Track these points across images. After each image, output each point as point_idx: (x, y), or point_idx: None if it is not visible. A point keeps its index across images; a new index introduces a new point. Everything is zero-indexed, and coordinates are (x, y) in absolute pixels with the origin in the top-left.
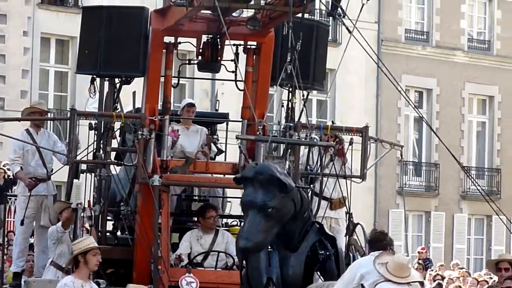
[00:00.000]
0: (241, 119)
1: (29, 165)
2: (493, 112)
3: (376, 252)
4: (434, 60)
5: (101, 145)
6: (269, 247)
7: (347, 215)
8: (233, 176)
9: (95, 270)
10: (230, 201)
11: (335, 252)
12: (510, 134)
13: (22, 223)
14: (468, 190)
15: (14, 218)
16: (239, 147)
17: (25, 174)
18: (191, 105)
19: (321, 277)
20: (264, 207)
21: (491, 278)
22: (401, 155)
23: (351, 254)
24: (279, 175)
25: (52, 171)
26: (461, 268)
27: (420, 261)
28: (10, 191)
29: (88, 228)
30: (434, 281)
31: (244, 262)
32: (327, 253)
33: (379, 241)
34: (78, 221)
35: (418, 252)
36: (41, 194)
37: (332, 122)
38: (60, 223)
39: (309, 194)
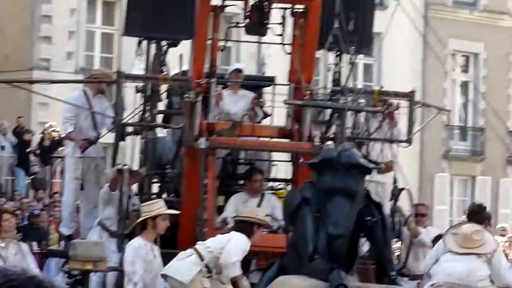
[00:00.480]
0: (288, 83)
1: (81, 126)
2: None
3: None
4: (481, 24)
5: (148, 108)
6: (316, 213)
7: (394, 179)
8: (308, 162)
9: (162, 233)
10: (276, 164)
11: (382, 219)
12: None
13: (82, 188)
14: None
15: (60, 179)
16: (287, 111)
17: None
18: (239, 70)
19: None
20: (352, 193)
21: None
22: (448, 120)
23: (396, 219)
24: (361, 160)
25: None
26: (504, 233)
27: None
28: (56, 152)
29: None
30: None
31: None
32: (374, 219)
33: (476, 214)
34: (124, 182)
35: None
36: (91, 156)
37: (381, 87)
38: (107, 185)
39: None
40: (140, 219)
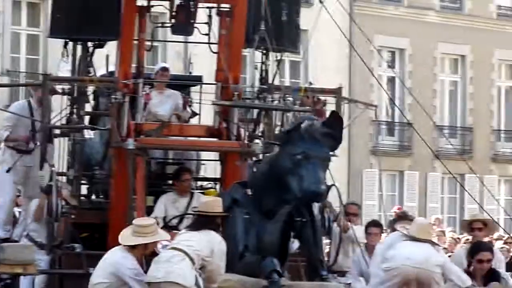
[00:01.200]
0: (215, 82)
1: (19, 135)
2: (465, 71)
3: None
4: (406, 20)
5: (75, 110)
6: (246, 214)
7: None
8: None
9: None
10: (204, 164)
11: (312, 219)
12: (482, 93)
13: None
14: (441, 149)
15: None
16: (215, 111)
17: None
18: (165, 69)
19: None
20: (327, 159)
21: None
22: (376, 115)
23: (326, 216)
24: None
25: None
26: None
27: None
28: None
29: (66, 197)
30: None
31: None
32: (304, 219)
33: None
34: (53, 187)
35: (395, 212)
36: (28, 166)
37: (310, 83)
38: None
39: None
40: (137, 241)
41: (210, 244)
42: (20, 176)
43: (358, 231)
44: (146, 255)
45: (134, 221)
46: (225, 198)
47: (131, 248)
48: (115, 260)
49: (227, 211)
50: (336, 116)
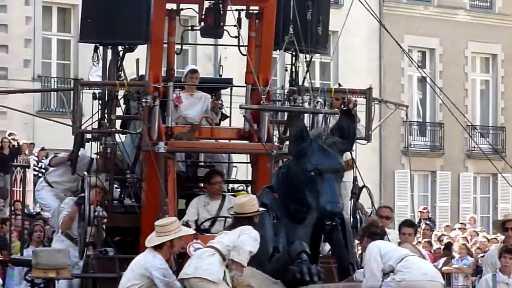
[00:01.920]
0: (245, 84)
1: None
2: (496, 70)
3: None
4: (436, 20)
5: (106, 114)
6: (275, 218)
7: (354, 178)
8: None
9: (177, 253)
10: (236, 166)
11: (342, 223)
12: None
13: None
14: (473, 148)
15: (20, 187)
16: (244, 116)
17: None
18: (194, 71)
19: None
20: (341, 170)
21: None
22: (406, 115)
23: (358, 217)
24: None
25: None
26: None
27: (428, 222)
28: (15, 161)
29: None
30: (440, 241)
31: None
32: (334, 223)
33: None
34: (86, 192)
35: (420, 212)
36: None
37: (339, 84)
38: (61, 221)
39: None
40: (161, 240)
41: (238, 236)
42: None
43: (391, 234)
44: (173, 253)
45: (155, 223)
46: None
47: (158, 249)
48: (144, 260)
49: None
50: (347, 113)
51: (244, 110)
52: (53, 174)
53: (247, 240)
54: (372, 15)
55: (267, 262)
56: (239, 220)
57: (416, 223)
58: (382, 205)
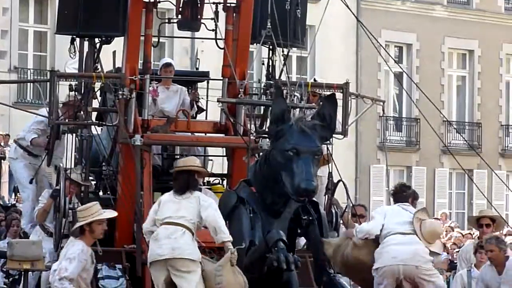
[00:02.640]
0: (221, 78)
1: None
2: (473, 66)
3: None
4: (413, 15)
5: (82, 106)
6: (251, 212)
7: (329, 173)
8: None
9: (100, 238)
10: (211, 160)
11: (318, 217)
12: (490, 88)
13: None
14: (449, 144)
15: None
16: (222, 109)
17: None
18: (168, 64)
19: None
20: (319, 152)
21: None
22: (383, 110)
23: (333, 212)
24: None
25: None
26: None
27: None
28: None
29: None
30: None
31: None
32: (310, 218)
33: (400, 193)
34: (61, 184)
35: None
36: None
37: (314, 79)
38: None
39: None
40: (77, 225)
41: (198, 208)
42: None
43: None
44: (96, 238)
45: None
46: (231, 196)
47: (81, 236)
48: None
49: (232, 210)
50: (330, 99)
51: (223, 108)
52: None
53: (215, 216)
54: (350, 10)
55: (244, 256)
56: (181, 182)
57: None
58: (357, 203)
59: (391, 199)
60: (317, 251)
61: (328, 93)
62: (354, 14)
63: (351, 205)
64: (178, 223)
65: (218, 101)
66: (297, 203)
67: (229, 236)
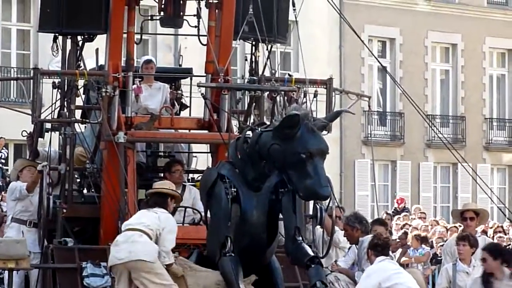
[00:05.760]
0: (204, 74)
1: None
2: (456, 60)
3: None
4: (396, 10)
5: (65, 103)
6: (231, 187)
7: None
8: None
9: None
10: (196, 156)
11: (292, 189)
12: (474, 81)
13: None
14: (433, 138)
15: None
16: (204, 98)
17: None
18: (149, 61)
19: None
20: (327, 152)
21: (459, 226)
22: (369, 106)
23: (318, 206)
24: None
25: None
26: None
27: (388, 212)
28: None
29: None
30: (402, 229)
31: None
32: (286, 189)
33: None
34: (44, 182)
35: (397, 203)
36: None
37: (289, 74)
38: (24, 186)
39: None
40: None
41: (159, 220)
42: None
43: (341, 235)
44: None
45: None
46: (211, 173)
47: None
48: None
49: (212, 186)
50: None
51: (204, 91)
52: None
53: (167, 238)
54: (333, 6)
55: (218, 250)
56: (155, 199)
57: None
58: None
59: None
60: (287, 220)
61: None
62: (336, 9)
63: (335, 203)
64: (137, 228)
65: (198, 85)
66: (277, 178)
67: (170, 259)
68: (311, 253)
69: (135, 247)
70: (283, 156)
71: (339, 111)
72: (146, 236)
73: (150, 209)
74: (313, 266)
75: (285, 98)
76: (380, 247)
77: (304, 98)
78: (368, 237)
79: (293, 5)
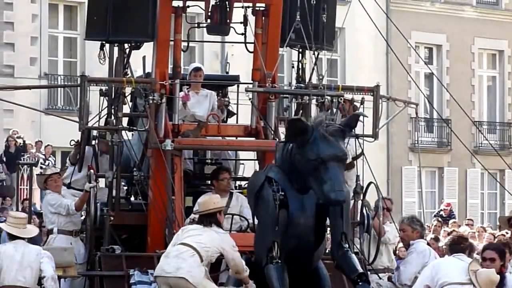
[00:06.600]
0: (251, 81)
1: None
2: (503, 66)
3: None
4: (443, 16)
5: (113, 111)
6: (279, 190)
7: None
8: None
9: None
10: (243, 163)
11: None
12: None
13: None
14: (480, 145)
15: (27, 185)
16: (251, 102)
17: None
18: (198, 69)
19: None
20: (343, 157)
21: (507, 233)
22: (416, 113)
23: (365, 213)
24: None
25: None
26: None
27: (439, 219)
28: (21, 159)
29: None
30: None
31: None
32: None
33: (458, 244)
34: (91, 202)
35: (444, 209)
36: None
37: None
38: (73, 204)
39: None
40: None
41: (219, 242)
42: None
43: (390, 228)
44: None
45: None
46: (259, 176)
47: None
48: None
49: (260, 190)
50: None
51: (252, 97)
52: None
53: (233, 250)
54: (382, 10)
55: (264, 256)
56: (203, 217)
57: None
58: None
59: (447, 249)
60: (335, 225)
61: (360, 96)
62: (384, 12)
63: (385, 206)
64: (191, 245)
65: (246, 90)
66: None
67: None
68: (360, 269)
69: (184, 264)
70: (301, 164)
71: (355, 114)
72: (197, 256)
73: (208, 227)
74: (360, 284)
75: (332, 104)
76: (458, 245)
77: (356, 105)
78: (421, 241)
79: (324, 10)
